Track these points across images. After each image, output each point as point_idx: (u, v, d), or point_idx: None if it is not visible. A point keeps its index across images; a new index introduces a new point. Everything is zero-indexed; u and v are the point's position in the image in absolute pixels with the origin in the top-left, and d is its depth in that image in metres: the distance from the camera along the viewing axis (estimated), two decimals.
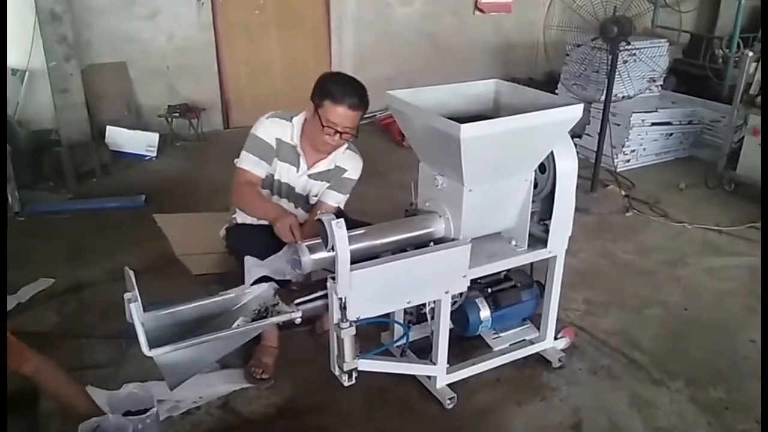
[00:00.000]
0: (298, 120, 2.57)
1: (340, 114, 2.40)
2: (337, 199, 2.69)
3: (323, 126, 2.42)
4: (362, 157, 2.72)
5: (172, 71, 5.53)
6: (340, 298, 1.95)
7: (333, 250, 1.90)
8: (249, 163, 2.54)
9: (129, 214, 4.04)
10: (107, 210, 4.12)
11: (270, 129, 2.55)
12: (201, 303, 2.05)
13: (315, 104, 2.44)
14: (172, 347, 1.83)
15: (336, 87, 2.41)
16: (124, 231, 3.79)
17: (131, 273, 1.89)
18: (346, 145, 2.64)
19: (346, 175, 2.68)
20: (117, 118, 5.20)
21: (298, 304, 2.06)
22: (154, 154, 5.15)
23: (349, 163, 2.68)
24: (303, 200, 2.73)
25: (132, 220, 3.94)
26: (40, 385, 2.05)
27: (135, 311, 1.83)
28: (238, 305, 2.10)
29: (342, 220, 1.89)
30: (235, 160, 2.60)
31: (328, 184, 2.68)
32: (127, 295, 1.87)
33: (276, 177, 2.63)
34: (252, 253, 2.39)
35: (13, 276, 3.09)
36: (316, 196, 2.70)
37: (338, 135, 2.44)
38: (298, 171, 2.62)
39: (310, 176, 2.64)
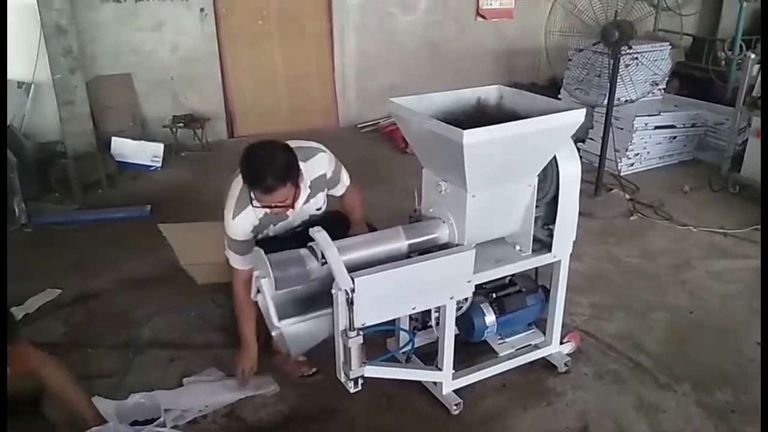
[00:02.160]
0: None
1: (262, 196, 2.27)
2: (342, 189, 2.62)
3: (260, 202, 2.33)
4: (321, 145, 2.56)
5: (177, 82, 5.57)
6: (346, 292, 1.95)
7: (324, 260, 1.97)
8: (237, 262, 2.49)
9: (135, 225, 4.06)
10: (113, 220, 4.15)
11: (240, 226, 2.43)
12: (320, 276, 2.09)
13: None
14: (299, 319, 2.03)
15: (248, 173, 2.26)
16: (129, 241, 3.82)
17: (262, 251, 2.03)
18: (302, 161, 2.40)
19: (329, 176, 2.54)
20: (122, 129, 5.24)
21: None
22: (159, 165, 5.18)
23: (319, 169, 2.51)
24: (310, 218, 2.61)
25: (138, 230, 3.96)
26: (48, 386, 2.08)
27: (266, 287, 2.00)
28: None
29: (320, 227, 2.02)
30: (226, 252, 2.52)
31: (321, 193, 2.57)
32: (257, 273, 2.03)
33: (272, 233, 2.55)
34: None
35: (21, 287, 3.12)
36: (319, 209, 2.60)
37: (276, 207, 2.33)
38: (290, 216, 2.51)
39: (303, 205, 2.51)
